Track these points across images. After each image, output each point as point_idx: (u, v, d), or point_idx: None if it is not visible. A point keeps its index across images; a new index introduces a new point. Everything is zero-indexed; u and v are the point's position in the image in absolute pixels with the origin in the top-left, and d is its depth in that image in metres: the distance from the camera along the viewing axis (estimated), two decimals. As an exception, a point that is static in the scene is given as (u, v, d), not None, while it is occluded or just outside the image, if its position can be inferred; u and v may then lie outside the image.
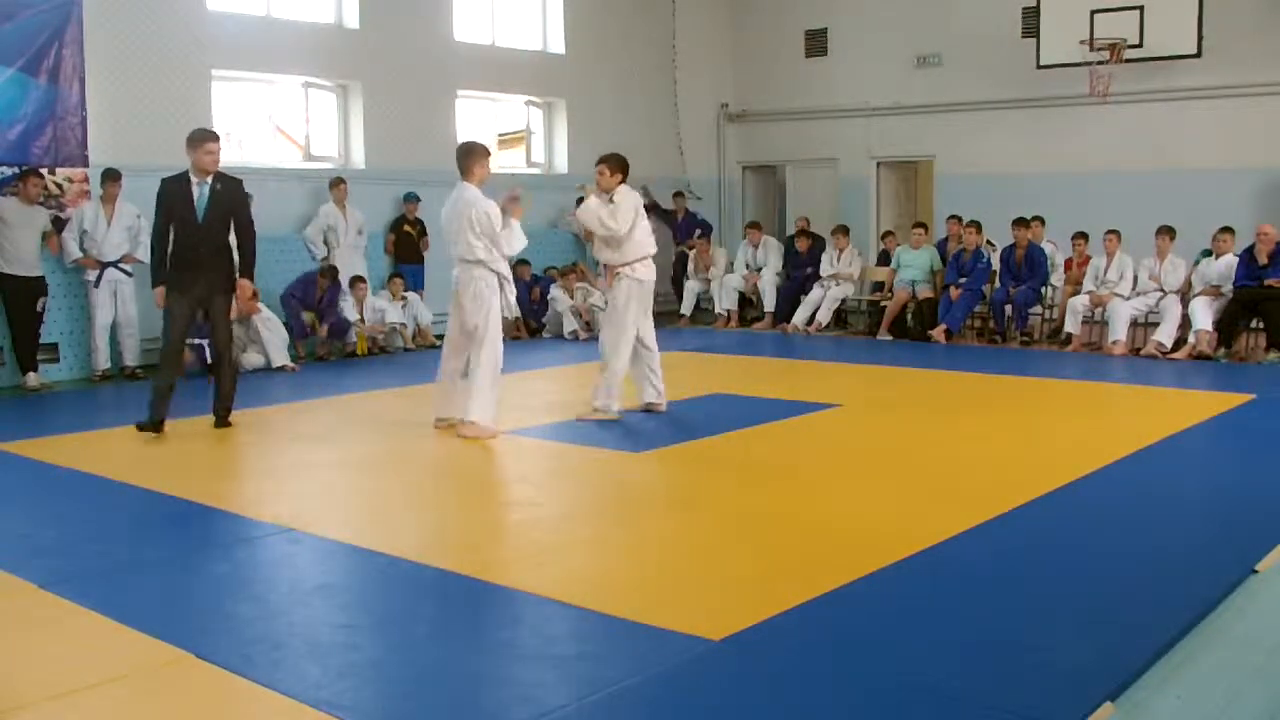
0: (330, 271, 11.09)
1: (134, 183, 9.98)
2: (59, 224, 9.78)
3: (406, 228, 12.43)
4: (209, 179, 7.23)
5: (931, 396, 8.62)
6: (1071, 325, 11.45)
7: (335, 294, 11.07)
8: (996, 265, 12.26)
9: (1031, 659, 3.54)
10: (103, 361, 9.87)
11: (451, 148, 12.97)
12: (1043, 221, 12.24)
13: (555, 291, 12.85)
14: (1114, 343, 11.02)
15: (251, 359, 10.23)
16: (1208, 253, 11.13)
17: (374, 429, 7.71)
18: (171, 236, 7.22)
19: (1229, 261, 10.72)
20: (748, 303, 14.10)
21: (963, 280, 12.12)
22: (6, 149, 9.62)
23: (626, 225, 7.48)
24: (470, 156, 7.23)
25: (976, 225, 12.33)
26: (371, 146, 12.38)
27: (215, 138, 7.32)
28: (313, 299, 10.92)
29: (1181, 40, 12.08)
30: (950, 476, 6.04)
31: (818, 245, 13.82)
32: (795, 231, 14.19)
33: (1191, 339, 10.60)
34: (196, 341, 10.06)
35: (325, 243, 11.58)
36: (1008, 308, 12.13)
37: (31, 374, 9.40)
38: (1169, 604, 4.02)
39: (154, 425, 7.17)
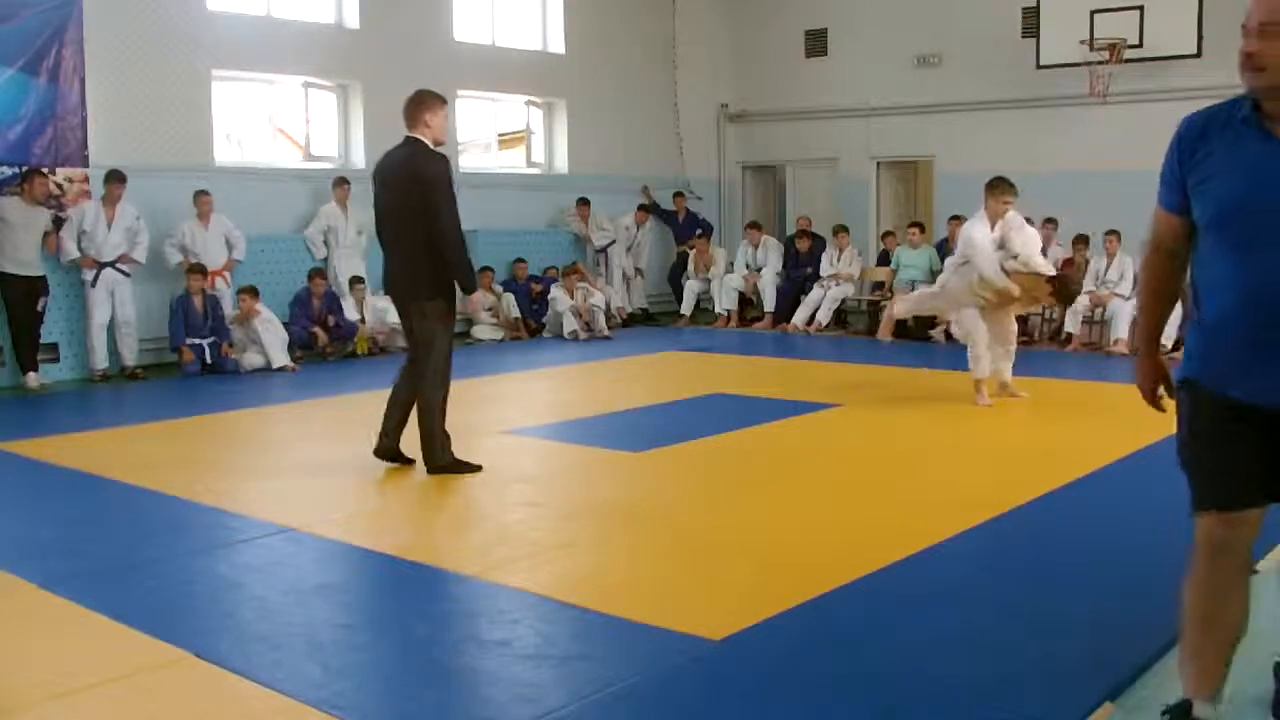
0: (318, 273, 11.02)
1: (132, 183, 9.98)
2: (59, 224, 9.78)
3: (407, 228, 12.41)
4: None
5: (931, 396, 8.62)
6: (1072, 325, 11.46)
7: (334, 300, 11.05)
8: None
9: (1031, 659, 3.54)
10: (100, 361, 9.86)
11: (451, 148, 13.13)
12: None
13: (555, 291, 12.84)
14: (1116, 341, 11.02)
15: (251, 359, 10.24)
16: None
17: (373, 429, 7.69)
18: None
19: (1229, 261, 10.69)
20: (748, 303, 14.10)
21: (963, 280, 12.11)
22: (7, 149, 9.62)
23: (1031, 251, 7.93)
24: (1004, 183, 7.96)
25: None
26: (371, 146, 12.35)
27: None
28: (313, 312, 10.87)
29: (1181, 40, 12.08)
30: (950, 476, 6.05)
31: (818, 245, 13.82)
32: (796, 231, 14.19)
33: (1191, 339, 10.59)
34: (197, 342, 10.09)
35: (325, 243, 11.59)
36: (1007, 308, 12.13)
37: (31, 374, 9.40)
38: (1169, 604, 4.00)
39: (464, 463, 6.12)
